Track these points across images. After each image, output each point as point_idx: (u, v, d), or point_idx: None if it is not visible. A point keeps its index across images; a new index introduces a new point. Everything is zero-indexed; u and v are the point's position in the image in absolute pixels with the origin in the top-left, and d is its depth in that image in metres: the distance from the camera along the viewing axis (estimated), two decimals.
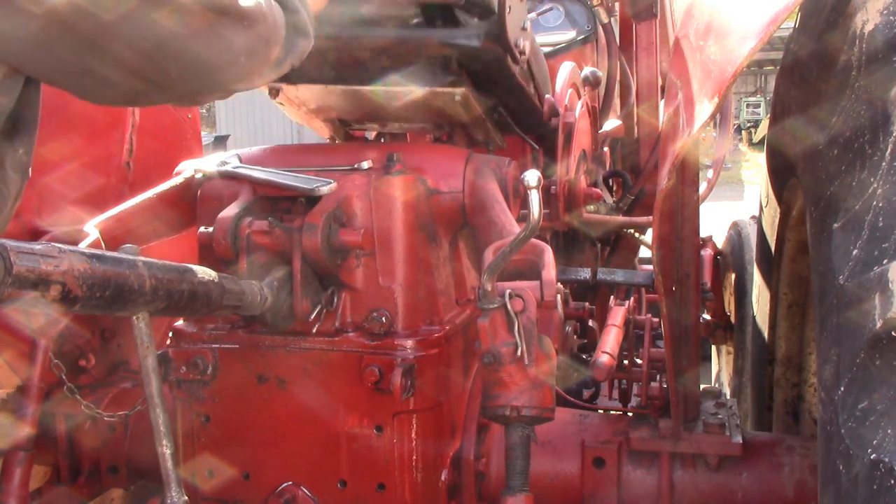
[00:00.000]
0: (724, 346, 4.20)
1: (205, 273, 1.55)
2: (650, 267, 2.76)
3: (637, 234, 3.23)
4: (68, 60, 1.18)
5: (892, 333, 1.02)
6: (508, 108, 2.36)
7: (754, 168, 20.88)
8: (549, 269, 1.67)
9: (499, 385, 1.63)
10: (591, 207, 2.83)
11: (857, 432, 1.04)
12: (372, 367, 1.83)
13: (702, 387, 2.09)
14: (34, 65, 1.18)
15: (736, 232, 3.80)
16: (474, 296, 1.64)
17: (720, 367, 4.41)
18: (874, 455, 0.99)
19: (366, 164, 2.00)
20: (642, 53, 3.72)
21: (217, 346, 1.95)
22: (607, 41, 3.56)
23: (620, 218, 3.19)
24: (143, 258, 1.39)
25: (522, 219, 1.53)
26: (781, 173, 1.96)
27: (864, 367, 1.06)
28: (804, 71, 1.58)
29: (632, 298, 3.24)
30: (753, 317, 2.80)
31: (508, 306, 1.59)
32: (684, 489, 1.98)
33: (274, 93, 2.31)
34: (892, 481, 0.96)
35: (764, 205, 2.46)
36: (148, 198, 2.15)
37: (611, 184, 3.51)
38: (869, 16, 1.24)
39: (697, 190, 1.83)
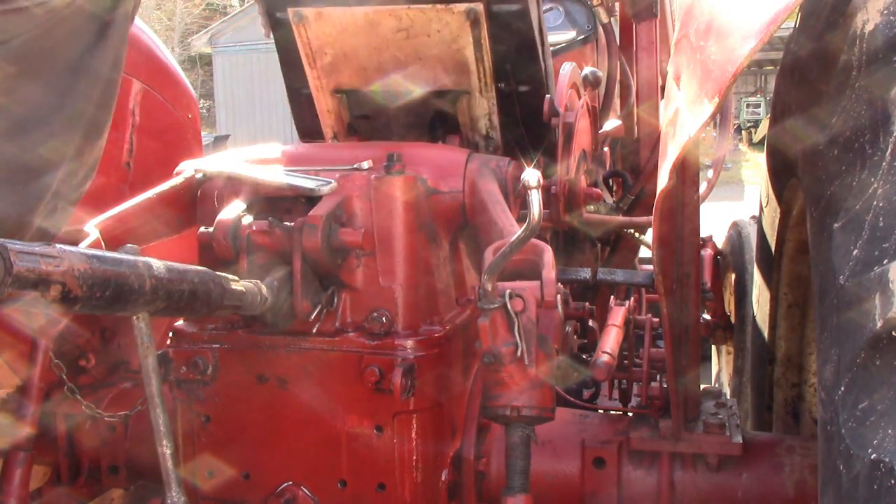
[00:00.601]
0: (724, 346, 4.20)
1: (205, 273, 1.55)
2: (650, 267, 2.76)
3: (637, 234, 3.23)
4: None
5: (893, 333, 1.02)
6: (514, 66, 2.38)
7: (754, 168, 20.87)
8: (549, 269, 1.67)
9: (499, 385, 1.63)
10: (591, 207, 2.83)
11: (858, 432, 1.03)
12: (372, 367, 1.83)
13: (702, 387, 2.09)
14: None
15: (736, 232, 3.79)
16: (474, 296, 1.64)
17: (720, 367, 4.41)
18: (874, 455, 0.99)
19: (366, 164, 2.00)
20: (642, 53, 3.73)
21: (217, 346, 1.95)
22: (607, 41, 3.56)
23: (620, 218, 3.19)
24: (143, 258, 1.39)
25: (522, 219, 1.53)
26: (781, 173, 1.96)
27: (864, 367, 1.06)
28: (804, 71, 1.58)
29: (632, 298, 3.24)
30: (753, 317, 2.80)
31: (508, 306, 1.59)
32: (684, 489, 1.98)
33: (297, 18, 2.31)
34: (893, 481, 0.96)
35: (764, 205, 2.46)
36: (148, 198, 2.15)
37: (611, 184, 3.51)
38: (869, 16, 1.24)
39: (697, 190, 1.83)
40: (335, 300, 1.93)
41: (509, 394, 1.62)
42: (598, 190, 2.80)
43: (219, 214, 1.89)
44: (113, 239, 2.05)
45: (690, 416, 2.00)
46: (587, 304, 2.70)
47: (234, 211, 1.89)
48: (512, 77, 2.48)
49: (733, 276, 3.73)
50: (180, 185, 2.12)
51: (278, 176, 1.96)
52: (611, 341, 2.02)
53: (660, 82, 3.71)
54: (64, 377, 2.11)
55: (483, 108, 2.47)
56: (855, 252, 1.13)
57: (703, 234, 3.38)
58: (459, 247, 2.16)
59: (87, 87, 1.54)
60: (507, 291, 1.60)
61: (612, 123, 3.26)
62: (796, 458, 1.96)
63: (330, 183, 1.91)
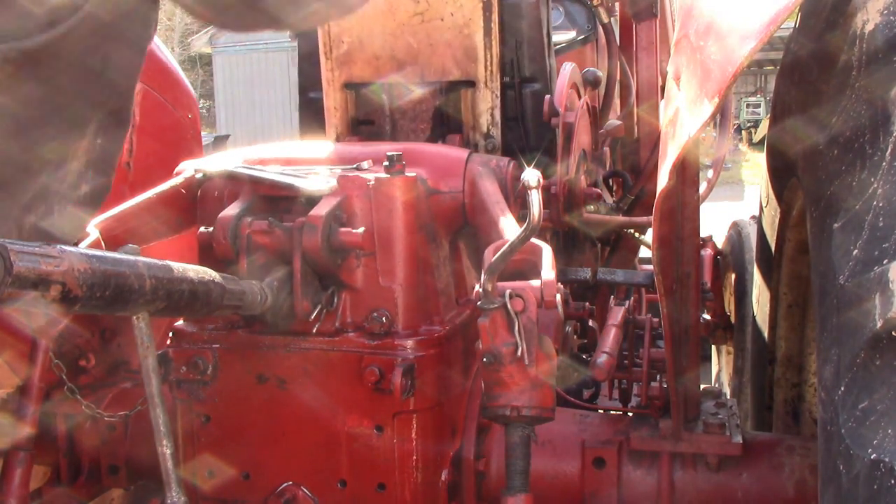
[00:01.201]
0: (724, 346, 4.19)
1: (205, 273, 1.55)
2: (650, 267, 2.76)
3: (637, 234, 3.23)
4: None
5: (893, 333, 1.02)
6: (520, 59, 2.45)
7: (754, 168, 20.87)
8: (549, 269, 1.67)
9: (499, 385, 1.63)
10: (591, 207, 2.83)
11: (858, 432, 1.03)
12: (372, 367, 1.83)
13: (702, 387, 2.09)
14: None
15: (736, 232, 3.79)
16: (474, 296, 1.64)
17: (720, 367, 4.41)
18: (874, 455, 0.99)
19: (366, 164, 2.00)
20: (642, 53, 3.73)
21: (217, 346, 1.95)
22: (607, 41, 3.56)
23: (620, 218, 3.19)
24: (143, 258, 1.39)
25: (522, 219, 1.53)
26: (781, 173, 1.96)
27: (864, 367, 1.06)
28: (804, 71, 1.58)
29: (632, 298, 3.24)
30: (753, 317, 2.80)
31: (509, 306, 1.59)
32: (684, 489, 1.98)
33: None
34: (893, 481, 0.96)
35: (764, 205, 2.46)
36: (148, 198, 2.15)
37: (611, 184, 3.51)
38: (869, 16, 1.24)
39: (697, 190, 1.83)
40: (335, 300, 1.93)
41: (509, 394, 1.62)
42: (598, 190, 2.80)
43: (219, 214, 1.89)
44: (113, 239, 2.05)
45: (690, 416, 2.00)
46: (587, 304, 2.71)
47: (233, 211, 1.89)
48: (517, 71, 2.54)
49: (733, 276, 3.73)
50: (180, 185, 2.12)
51: (278, 176, 1.96)
52: (610, 341, 2.02)
53: (660, 82, 3.71)
54: (64, 377, 2.11)
55: (487, 102, 2.50)
56: (855, 252, 1.13)
57: (703, 234, 3.37)
58: (459, 247, 2.16)
59: (97, 92, 1.54)
60: (507, 291, 1.60)
61: (612, 123, 3.26)
62: (796, 458, 1.96)
63: (330, 183, 1.91)
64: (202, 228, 1.95)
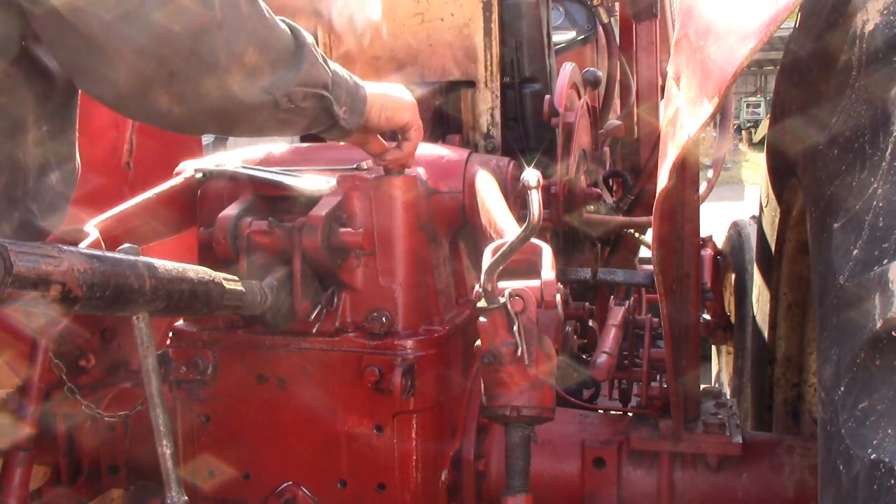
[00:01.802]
0: (724, 346, 4.19)
1: (205, 273, 1.55)
2: (650, 267, 2.76)
3: (637, 234, 3.23)
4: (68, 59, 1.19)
5: (893, 333, 1.02)
6: (520, 59, 2.45)
7: (754, 168, 20.87)
8: (549, 269, 1.67)
9: (499, 385, 1.63)
10: (591, 207, 2.83)
11: (858, 432, 1.03)
12: (372, 367, 1.83)
13: (702, 387, 2.09)
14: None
15: (736, 232, 3.79)
16: (474, 296, 1.64)
17: (720, 367, 4.41)
18: (874, 455, 0.99)
19: (366, 164, 2.00)
20: (642, 53, 3.72)
21: (217, 346, 1.95)
22: (607, 41, 3.56)
23: (620, 218, 3.19)
24: (143, 258, 1.39)
25: (522, 219, 1.53)
26: (781, 173, 1.96)
27: (864, 367, 1.06)
28: (804, 71, 1.58)
29: (632, 298, 3.24)
30: (753, 317, 2.80)
31: (508, 306, 1.59)
32: (684, 489, 1.98)
33: None
34: (893, 481, 0.96)
35: (764, 205, 2.46)
36: (148, 198, 2.15)
37: (611, 184, 3.51)
38: (869, 16, 1.24)
39: (697, 190, 1.83)
40: (335, 300, 1.93)
41: (509, 394, 1.62)
42: (598, 190, 2.80)
43: (219, 214, 1.89)
44: (113, 239, 2.04)
45: (690, 416, 2.00)
46: (587, 304, 2.70)
47: (233, 211, 1.89)
48: (517, 71, 2.54)
49: (733, 276, 3.73)
50: (180, 185, 2.12)
51: (278, 176, 1.96)
52: (610, 341, 2.02)
53: (660, 82, 3.71)
54: (64, 377, 2.11)
55: (487, 102, 2.51)
56: (855, 252, 1.13)
57: (703, 234, 3.37)
58: (459, 247, 2.16)
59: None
60: (507, 291, 1.60)
61: (612, 123, 3.26)
62: (796, 458, 1.96)
63: (330, 183, 1.91)
64: (202, 228, 1.95)
